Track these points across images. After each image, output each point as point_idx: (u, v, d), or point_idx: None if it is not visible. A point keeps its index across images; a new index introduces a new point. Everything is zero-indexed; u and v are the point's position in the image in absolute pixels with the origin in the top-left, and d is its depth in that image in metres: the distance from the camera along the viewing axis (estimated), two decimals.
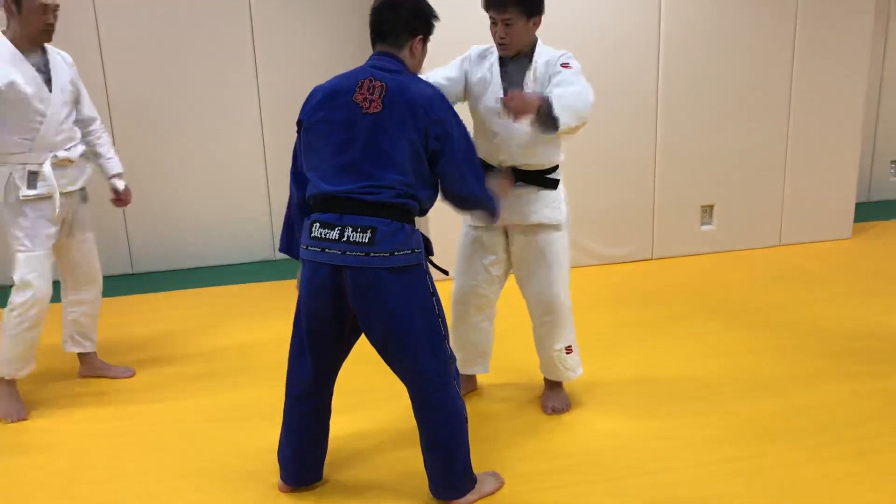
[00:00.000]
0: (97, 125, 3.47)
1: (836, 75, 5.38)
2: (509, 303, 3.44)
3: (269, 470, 2.72)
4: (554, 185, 2.97)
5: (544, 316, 3.06)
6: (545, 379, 3.24)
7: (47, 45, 3.21)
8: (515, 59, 2.89)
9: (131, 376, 3.63)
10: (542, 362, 3.19)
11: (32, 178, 3.15)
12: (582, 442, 2.92)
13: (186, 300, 4.83)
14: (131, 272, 5.43)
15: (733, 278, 4.89)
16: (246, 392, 3.44)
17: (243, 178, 5.46)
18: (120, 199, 3.53)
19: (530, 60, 2.86)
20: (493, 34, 2.84)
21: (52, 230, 3.23)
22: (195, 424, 3.16)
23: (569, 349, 3.12)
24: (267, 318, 4.35)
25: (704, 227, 5.42)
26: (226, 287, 5.06)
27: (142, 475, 2.78)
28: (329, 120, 2.40)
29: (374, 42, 2.52)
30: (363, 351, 2.67)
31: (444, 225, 4.51)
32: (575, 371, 3.17)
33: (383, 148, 2.34)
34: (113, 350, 3.93)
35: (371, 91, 2.36)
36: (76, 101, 3.35)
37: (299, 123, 2.50)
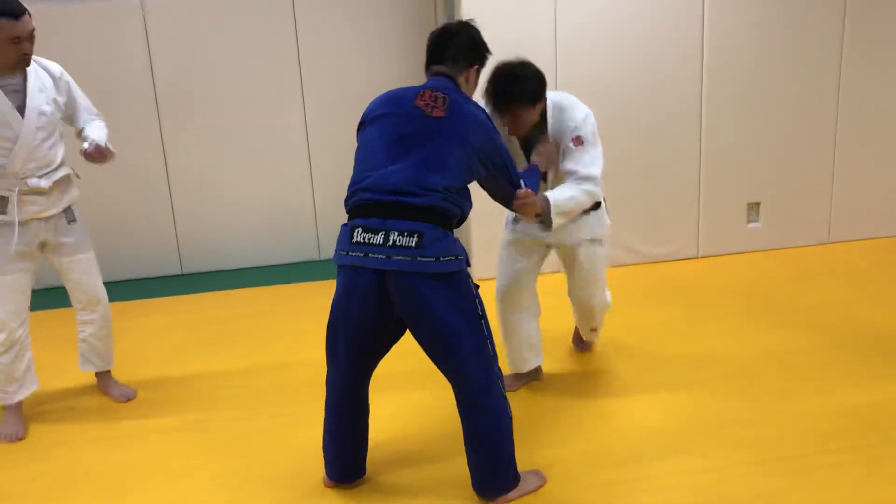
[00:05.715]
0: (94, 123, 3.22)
1: (885, 68, 5.25)
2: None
3: (315, 465, 2.76)
4: (597, 206, 3.13)
5: (584, 312, 3.42)
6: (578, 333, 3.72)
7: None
8: None
9: (127, 401, 3.45)
10: (577, 333, 3.72)
11: (1, 203, 2.99)
12: (625, 440, 2.91)
13: (233, 299, 4.93)
14: (181, 273, 5.56)
15: (781, 276, 4.81)
16: (291, 389, 3.49)
17: (288, 179, 5.54)
18: (87, 153, 3.07)
19: (543, 120, 2.98)
20: (500, 121, 2.92)
21: (20, 255, 3.05)
22: (241, 422, 3.22)
23: (594, 329, 3.54)
24: (311, 318, 4.39)
25: (751, 225, 5.34)
26: (271, 287, 5.15)
27: (189, 472, 2.85)
28: (392, 116, 2.46)
29: (429, 65, 2.60)
30: (409, 349, 2.70)
31: (485, 230, 4.55)
32: (593, 339, 3.65)
33: (440, 150, 2.37)
34: (162, 349, 4.04)
35: (434, 100, 2.42)
36: (64, 119, 3.17)
37: (361, 125, 2.55)
